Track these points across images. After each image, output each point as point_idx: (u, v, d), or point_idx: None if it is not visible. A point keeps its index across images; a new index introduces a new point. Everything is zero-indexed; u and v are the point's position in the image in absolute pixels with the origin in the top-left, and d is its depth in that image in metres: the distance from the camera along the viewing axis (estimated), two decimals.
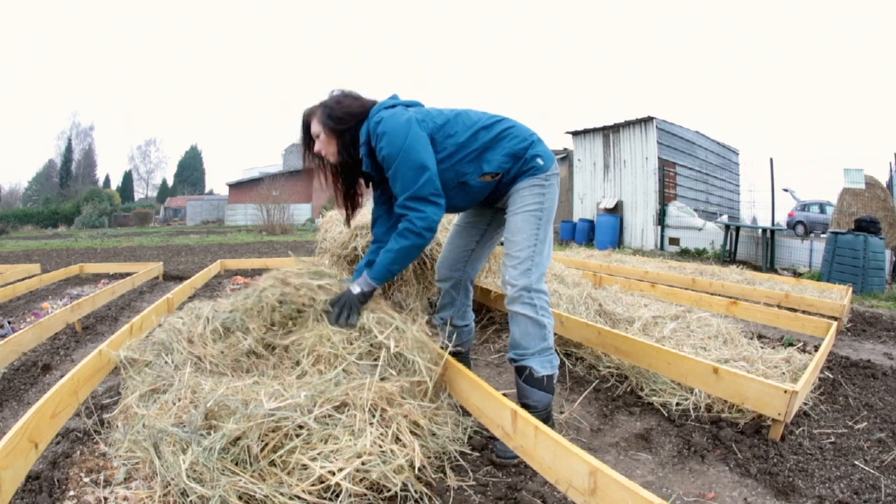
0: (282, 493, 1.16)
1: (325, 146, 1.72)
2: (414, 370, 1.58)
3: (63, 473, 1.42)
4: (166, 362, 1.71)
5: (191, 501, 1.17)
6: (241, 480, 1.17)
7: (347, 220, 2.00)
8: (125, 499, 1.29)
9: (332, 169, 1.82)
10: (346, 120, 1.68)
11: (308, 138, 1.77)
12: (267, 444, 1.23)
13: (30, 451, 1.27)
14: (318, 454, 1.23)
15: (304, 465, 1.21)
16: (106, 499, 1.30)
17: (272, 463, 1.22)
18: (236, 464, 1.20)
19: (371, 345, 1.62)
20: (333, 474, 1.18)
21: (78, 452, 1.54)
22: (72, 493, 1.34)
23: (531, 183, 1.66)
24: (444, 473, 1.42)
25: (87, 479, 1.40)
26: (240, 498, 1.16)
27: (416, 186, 1.55)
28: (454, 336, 1.86)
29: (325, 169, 1.82)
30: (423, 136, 1.59)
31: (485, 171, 1.66)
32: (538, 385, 1.61)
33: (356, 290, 1.69)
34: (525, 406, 1.58)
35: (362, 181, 1.89)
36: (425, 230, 1.58)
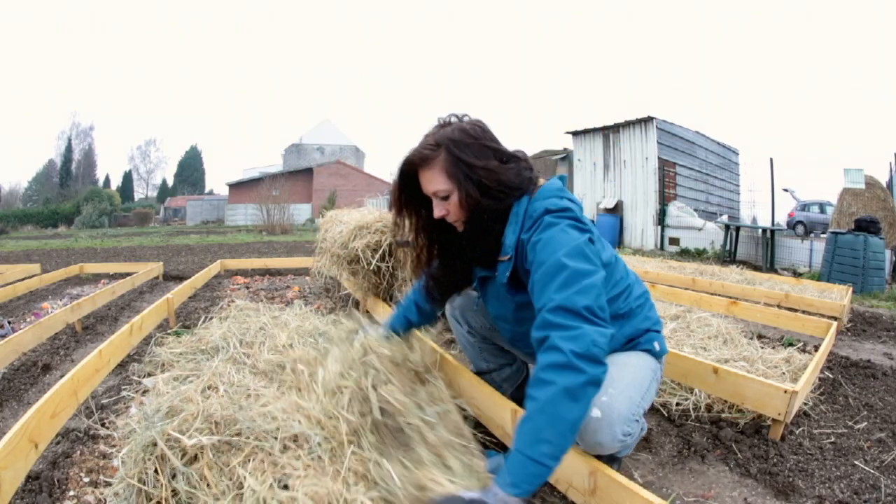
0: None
1: (456, 213, 1.24)
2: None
3: (63, 473, 1.42)
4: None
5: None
6: (152, 451, 1.12)
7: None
8: (126, 499, 1.29)
9: (427, 233, 1.39)
10: (502, 195, 1.20)
11: (407, 188, 1.29)
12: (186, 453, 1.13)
13: (30, 451, 1.27)
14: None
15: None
16: (106, 499, 1.30)
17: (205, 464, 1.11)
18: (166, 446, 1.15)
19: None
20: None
21: (78, 452, 1.54)
22: (72, 493, 1.34)
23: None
24: None
25: (86, 479, 1.40)
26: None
27: (567, 292, 1.02)
28: None
29: (415, 232, 1.38)
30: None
31: None
32: None
33: None
34: None
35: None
36: (578, 357, 0.95)
